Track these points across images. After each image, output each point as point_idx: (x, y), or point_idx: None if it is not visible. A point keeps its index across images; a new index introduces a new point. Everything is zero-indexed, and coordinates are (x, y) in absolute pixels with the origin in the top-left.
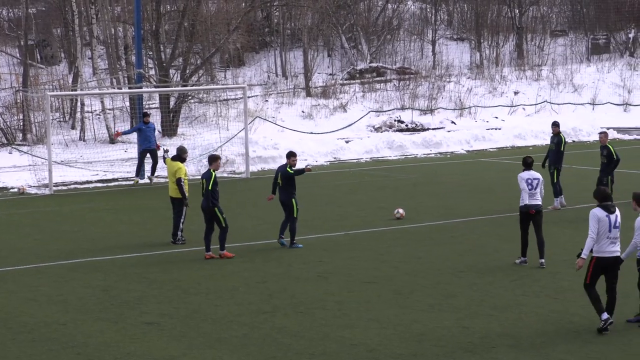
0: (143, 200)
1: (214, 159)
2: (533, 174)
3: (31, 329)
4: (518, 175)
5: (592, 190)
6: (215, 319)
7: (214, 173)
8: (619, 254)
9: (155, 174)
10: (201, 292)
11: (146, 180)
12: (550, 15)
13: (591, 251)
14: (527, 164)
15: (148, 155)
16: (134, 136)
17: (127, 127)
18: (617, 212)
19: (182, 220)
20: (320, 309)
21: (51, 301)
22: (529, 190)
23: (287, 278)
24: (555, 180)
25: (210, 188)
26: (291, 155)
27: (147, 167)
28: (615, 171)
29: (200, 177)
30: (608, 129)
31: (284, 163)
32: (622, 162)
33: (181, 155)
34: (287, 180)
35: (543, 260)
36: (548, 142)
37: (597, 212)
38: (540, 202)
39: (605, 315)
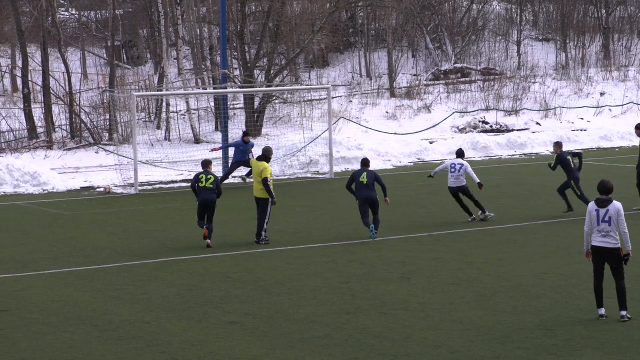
0: (226, 200)
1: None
2: (459, 160)
3: (116, 327)
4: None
5: None
6: (297, 319)
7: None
8: (612, 245)
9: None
10: (283, 292)
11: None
12: (637, 15)
13: None
14: (459, 154)
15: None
16: (218, 137)
17: (212, 127)
18: (611, 206)
19: (266, 220)
20: (403, 309)
21: (135, 299)
22: (452, 172)
23: (370, 279)
24: None
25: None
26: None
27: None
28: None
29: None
30: None
31: (362, 168)
32: None
33: (267, 155)
34: (374, 180)
35: (474, 216)
36: (634, 143)
37: (590, 206)
38: (463, 184)
39: (601, 311)
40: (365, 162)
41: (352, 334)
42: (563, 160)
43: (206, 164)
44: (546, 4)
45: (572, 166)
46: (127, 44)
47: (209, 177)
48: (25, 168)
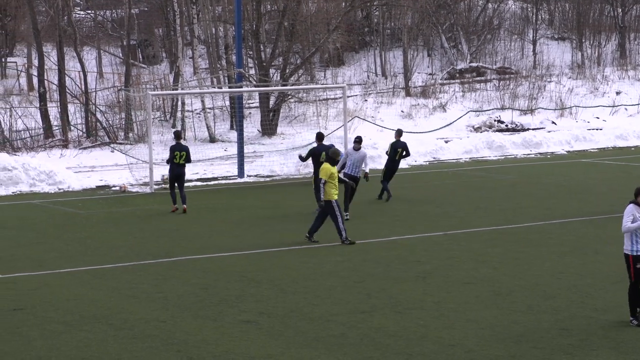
0: (241, 199)
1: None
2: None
3: (132, 325)
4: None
5: None
6: (312, 318)
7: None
8: (625, 251)
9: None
10: (299, 291)
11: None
12: None
13: None
14: (320, 138)
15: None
16: (234, 136)
17: (227, 126)
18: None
19: (339, 221)
20: (418, 309)
21: (151, 298)
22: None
23: (385, 278)
24: None
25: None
26: (322, 136)
27: None
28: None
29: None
30: None
31: (320, 145)
32: None
33: (332, 157)
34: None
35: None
36: None
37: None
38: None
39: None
40: (321, 137)
41: (367, 333)
42: (395, 150)
43: (178, 135)
44: (562, 3)
45: (396, 157)
46: (143, 43)
47: (182, 153)
48: (41, 167)
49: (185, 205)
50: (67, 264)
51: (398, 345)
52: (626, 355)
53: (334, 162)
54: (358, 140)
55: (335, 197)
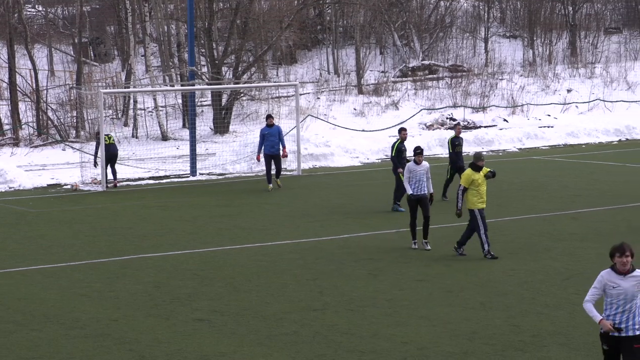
0: (194, 197)
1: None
2: None
3: (83, 324)
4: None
5: None
6: (265, 316)
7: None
8: None
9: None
10: (252, 289)
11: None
12: (604, 13)
13: None
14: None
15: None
16: (186, 133)
17: (179, 124)
18: None
19: (481, 232)
20: (370, 306)
21: (103, 297)
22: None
23: (337, 275)
24: None
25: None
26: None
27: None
28: None
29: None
30: None
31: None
32: None
33: (475, 162)
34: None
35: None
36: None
37: None
38: None
39: None
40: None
41: (319, 331)
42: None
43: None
44: (513, 1)
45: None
46: (95, 41)
47: (109, 136)
48: None
49: (116, 180)
50: (18, 263)
51: (350, 342)
52: (576, 351)
53: (477, 168)
54: (420, 152)
55: (480, 205)
